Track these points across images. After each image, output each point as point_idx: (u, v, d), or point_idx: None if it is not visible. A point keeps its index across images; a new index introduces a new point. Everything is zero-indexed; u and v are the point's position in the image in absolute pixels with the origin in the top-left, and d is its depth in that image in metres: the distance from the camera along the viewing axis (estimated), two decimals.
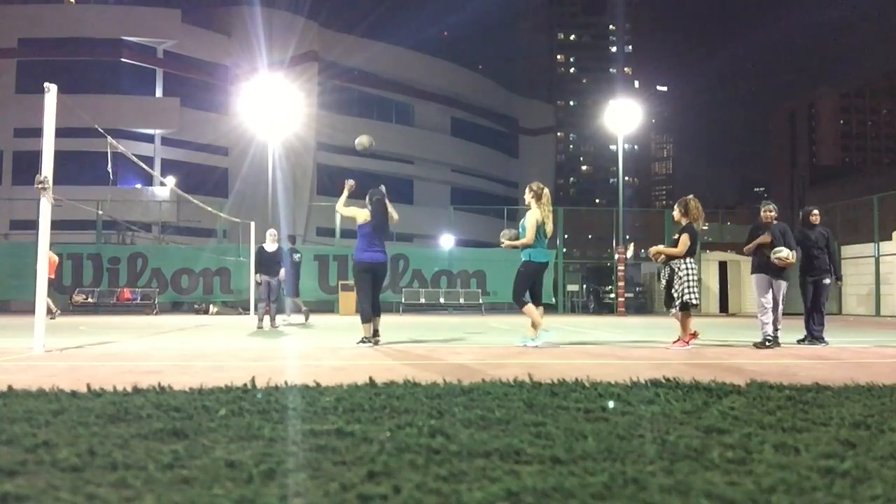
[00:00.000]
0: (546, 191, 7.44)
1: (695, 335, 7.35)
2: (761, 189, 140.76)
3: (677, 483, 1.91)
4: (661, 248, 7.56)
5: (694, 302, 7.30)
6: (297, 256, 13.85)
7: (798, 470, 2.04)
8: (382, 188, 7.77)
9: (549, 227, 7.33)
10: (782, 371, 4.94)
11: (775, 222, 7.76)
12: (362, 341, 7.36)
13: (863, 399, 3.39)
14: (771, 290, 7.62)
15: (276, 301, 11.90)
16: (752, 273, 7.90)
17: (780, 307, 7.64)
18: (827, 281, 8.08)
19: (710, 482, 1.92)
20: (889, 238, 20.93)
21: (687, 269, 7.33)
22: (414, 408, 3.05)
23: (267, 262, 11.62)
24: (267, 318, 11.49)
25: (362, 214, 7.62)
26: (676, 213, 7.63)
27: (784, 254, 7.42)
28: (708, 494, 1.81)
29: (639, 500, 1.79)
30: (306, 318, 14.35)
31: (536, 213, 7.26)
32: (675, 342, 7.39)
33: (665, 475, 1.99)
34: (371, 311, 7.55)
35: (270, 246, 11.78)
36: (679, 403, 3.21)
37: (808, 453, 2.26)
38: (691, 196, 7.75)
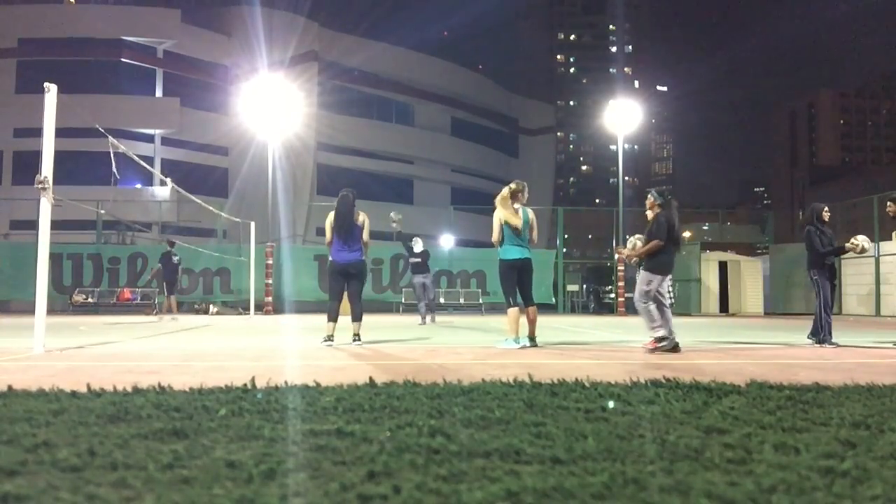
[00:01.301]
0: (507, 189, 7.17)
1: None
2: (761, 189, 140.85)
3: (677, 483, 1.91)
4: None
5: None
6: (175, 259, 15.83)
7: (798, 470, 2.04)
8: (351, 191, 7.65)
9: (513, 223, 7.09)
10: (782, 371, 4.95)
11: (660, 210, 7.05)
12: (325, 340, 7.26)
13: (863, 399, 3.39)
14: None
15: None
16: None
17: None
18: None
19: (710, 482, 1.92)
20: (889, 238, 20.88)
21: None
22: (414, 408, 3.05)
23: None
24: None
25: (329, 218, 7.56)
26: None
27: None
28: (708, 494, 1.81)
29: (639, 500, 1.79)
30: (159, 315, 16.28)
31: (498, 212, 7.17)
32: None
33: (665, 475, 1.99)
34: (336, 310, 7.50)
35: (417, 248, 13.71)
36: (679, 403, 3.21)
37: (808, 453, 2.26)
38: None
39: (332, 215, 7.57)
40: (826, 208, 8.16)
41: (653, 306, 6.78)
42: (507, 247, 7.18)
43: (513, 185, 7.22)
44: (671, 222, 6.94)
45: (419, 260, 13.57)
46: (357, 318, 7.66)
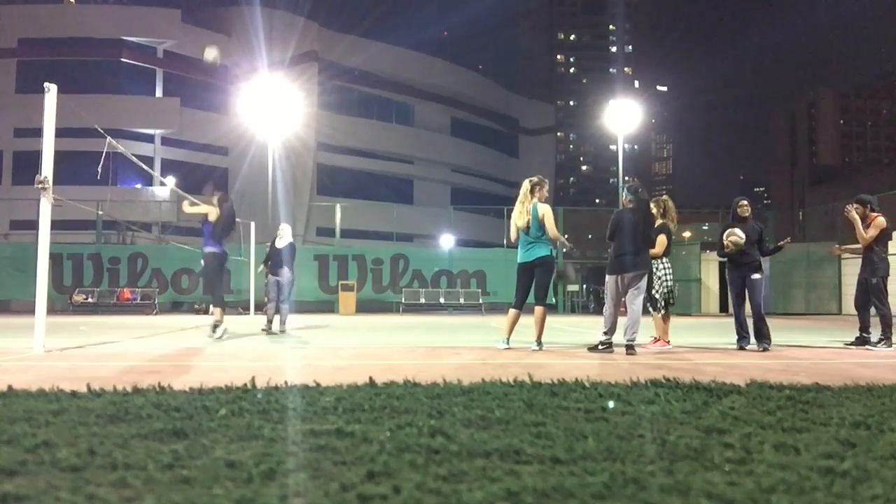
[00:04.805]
0: (527, 184, 7.09)
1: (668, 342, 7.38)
2: (761, 189, 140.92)
3: (677, 483, 1.91)
4: None
5: (672, 301, 7.46)
6: None
7: (798, 470, 2.04)
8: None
9: (518, 224, 7.03)
10: (782, 371, 4.95)
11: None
12: (215, 326, 8.40)
13: (863, 399, 3.39)
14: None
15: (284, 302, 10.90)
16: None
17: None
18: (756, 276, 7.29)
19: (710, 482, 1.92)
20: (889, 238, 20.87)
21: (664, 268, 7.41)
22: (414, 408, 3.05)
23: (274, 259, 10.85)
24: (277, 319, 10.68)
25: (213, 212, 8.64)
26: (654, 213, 7.60)
27: None
28: (708, 494, 1.81)
29: (639, 500, 1.79)
30: None
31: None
32: (655, 341, 7.41)
33: (665, 475, 1.99)
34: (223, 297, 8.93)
35: (280, 242, 11.00)
36: (679, 403, 3.21)
37: (808, 453, 2.26)
38: (666, 196, 7.98)
39: (216, 210, 8.82)
40: (742, 202, 7.48)
41: (608, 304, 6.88)
42: (518, 248, 7.15)
43: (534, 179, 7.11)
44: (615, 222, 6.86)
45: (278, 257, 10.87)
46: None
